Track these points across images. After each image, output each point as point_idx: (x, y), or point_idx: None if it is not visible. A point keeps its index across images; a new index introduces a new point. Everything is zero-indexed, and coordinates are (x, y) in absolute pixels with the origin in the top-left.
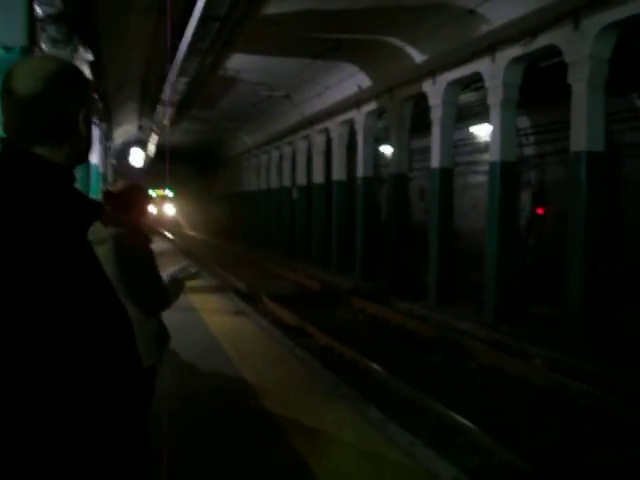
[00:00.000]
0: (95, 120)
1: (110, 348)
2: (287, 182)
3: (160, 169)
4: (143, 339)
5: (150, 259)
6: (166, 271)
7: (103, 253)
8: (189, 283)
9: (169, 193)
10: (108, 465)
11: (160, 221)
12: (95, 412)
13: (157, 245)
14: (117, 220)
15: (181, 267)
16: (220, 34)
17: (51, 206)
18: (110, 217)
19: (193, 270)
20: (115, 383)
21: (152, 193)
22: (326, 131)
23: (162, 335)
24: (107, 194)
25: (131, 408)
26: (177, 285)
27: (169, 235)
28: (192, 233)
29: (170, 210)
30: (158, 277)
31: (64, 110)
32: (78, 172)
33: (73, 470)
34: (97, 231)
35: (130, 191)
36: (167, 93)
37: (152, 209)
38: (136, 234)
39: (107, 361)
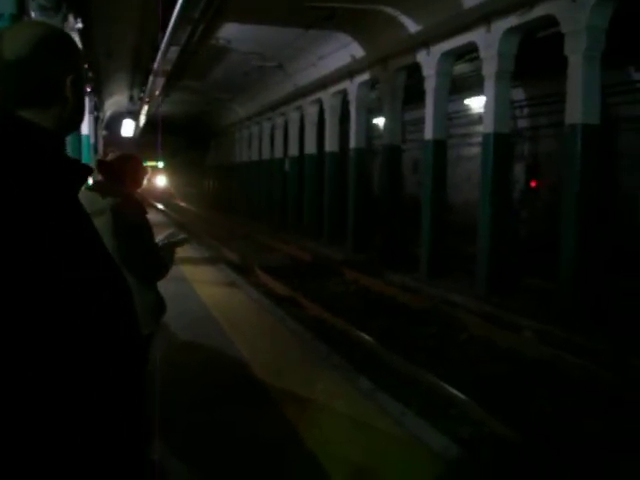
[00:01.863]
0: (86, 89)
1: (112, 317)
2: (279, 153)
3: (151, 140)
4: (142, 308)
5: (147, 228)
6: (155, 239)
7: (102, 224)
8: (181, 254)
9: (160, 164)
10: (112, 437)
11: (151, 192)
12: (99, 385)
13: (149, 216)
14: (114, 190)
15: (169, 233)
16: (211, 2)
17: (36, 166)
18: (107, 187)
19: (181, 236)
20: (118, 355)
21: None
22: (319, 102)
23: (159, 304)
24: (101, 164)
25: (135, 380)
26: (169, 252)
27: (161, 207)
28: (183, 205)
29: (161, 181)
30: (155, 246)
31: (49, 74)
32: (69, 143)
33: (78, 443)
34: (95, 202)
35: (124, 161)
36: (158, 63)
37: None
38: (133, 204)
39: (109, 332)
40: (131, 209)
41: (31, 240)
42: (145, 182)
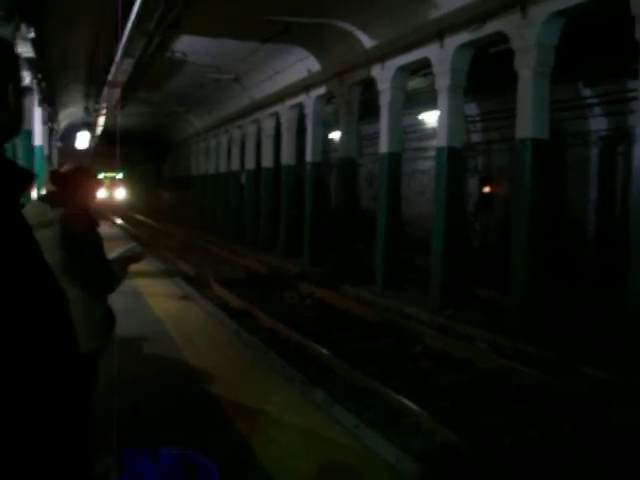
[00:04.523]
0: (37, 98)
1: (42, 330)
2: (236, 166)
3: (107, 152)
4: (89, 322)
5: (97, 241)
6: (112, 253)
7: (50, 235)
8: (136, 267)
9: (119, 175)
10: (45, 452)
11: (110, 205)
12: (28, 401)
13: (104, 230)
14: (65, 202)
15: (127, 248)
16: (166, 14)
17: None
18: (57, 198)
19: (139, 251)
20: (49, 371)
21: (101, 175)
22: (276, 115)
23: (108, 317)
24: (53, 174)
25: (67, 394)
26: (122, 266)
27: (118, 220)
28: (140, 217)
29: (121, 194)
30: (105, 259)
31: None
32: (21, 153)
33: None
34: (44, 213)
35: (77, 173)
36: (112, 74)
37: (101, 193)
38: (83, 216)
39: (39, 346)
40: (81, 221)
41: None
42: (104, 194)
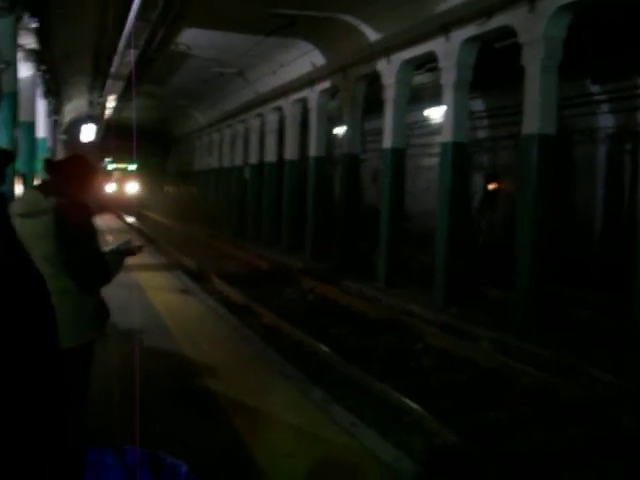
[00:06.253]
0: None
1: (15, 324)
2: (239, 161)
3: (112, 144)
4: (81, 314)
5: (91, 232)
6: (109, 245)
7: (43, 224)
8: (137, 260)
9: (132, 167)
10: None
11: (120, 201)
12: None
13: (103, 222)
14: (59, 191)
15: (124, 241)
16: (170, 6)
17: None
18: (51, 187)
19: (136, 244)
20: (24, 365)
21: (110, 167)
22: (280, 109)
23: (100, 311)
24: (48, 163)
25: (46, 389)
26: (118, 259)
27: (129, 218)
28: (145, 213)
29: (133, 188)
30: (99, 251)
31: None
32: (24, 144)
33: None
34: (37, 202)
35: (72, 162)
36: (116, 66)
37: (110, 187)
38: (78, 206)
39: (11, 338)
40: (76, 211)
41: None
42: (113, 188)
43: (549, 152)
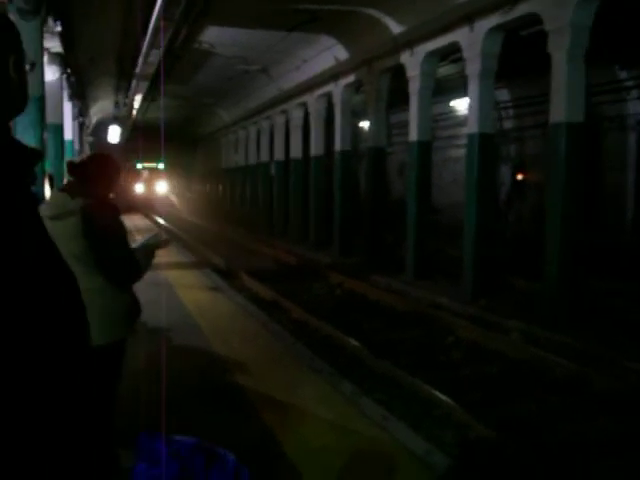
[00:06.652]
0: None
1: (49, 324)
2: (265, 158)
3: (138, 145)
4: (114, 311)
5: (119, 231)
6: (136, 241)
7: (72, 225)
8: (166, 259)
9: (160, 166)
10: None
11: (148, 200)
12: (39, 400)
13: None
14: (85, 191)
15: (151, 236)
16: (192, 4)
17: None
18: (77, 188)
19: (163, 238)
20: (59, 363)
21: (139, 166)
22: (304, 105)
23: (132, 308)
24: (71, 165)
25: (79, 387)
26: (147, 255)
27: (160, 219)
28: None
29: (162, 188)
30: (128, 249)
31: None
32: (51, 147)
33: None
34: (64, 203)
35: (94, 161)
36: (141, 66)
37: (139, 187)
38: (105, 205)
39: (45, 336)
40: (103, 211)
41: None
42: (142, 189)
43: (577, 141)
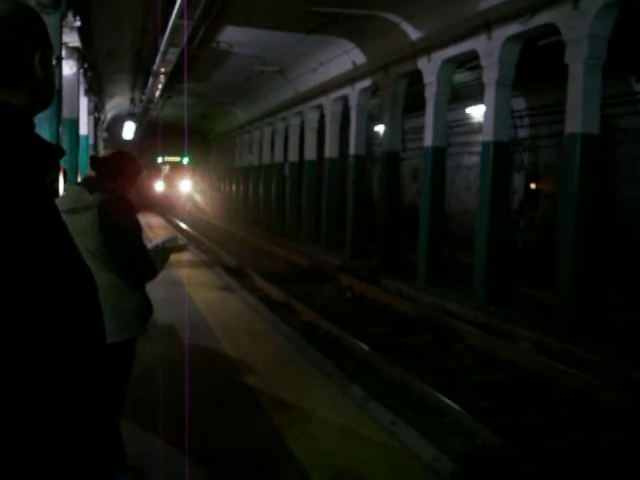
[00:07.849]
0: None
1: (67, 316)
2: (279, 158)
3: (152, 142)
4: (127, 309)
5: (135, 228)
6: (152, 241)
7: (87, 220)
8: (178, 257)
9: (185, 160)
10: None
11: (168, 199)
12: (52, 392)
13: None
14: (103, 187)
15: (169, 237)
16: (212, 4)
17: (5, 145)
18: (96, 183)
19: (180, 242)
20: (73, 360)
21: (159, 160)
22: (320, 107)
23: (144, 307)
24: (93, 160)
25: (92, 383)
26: (162, 255)
27: (182, 224)
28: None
29: (186, 186)
30: (143, 247)
31: (17, 51)
32: (67, 142)
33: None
34: (81, 197)
35: (117, 158)
36: (158, 64)
37: (159, 186)
38: (122, 202)
39: (63, 331)
40: (119, 207)
41: None
42: (162, 187)
43: (591, 152)
